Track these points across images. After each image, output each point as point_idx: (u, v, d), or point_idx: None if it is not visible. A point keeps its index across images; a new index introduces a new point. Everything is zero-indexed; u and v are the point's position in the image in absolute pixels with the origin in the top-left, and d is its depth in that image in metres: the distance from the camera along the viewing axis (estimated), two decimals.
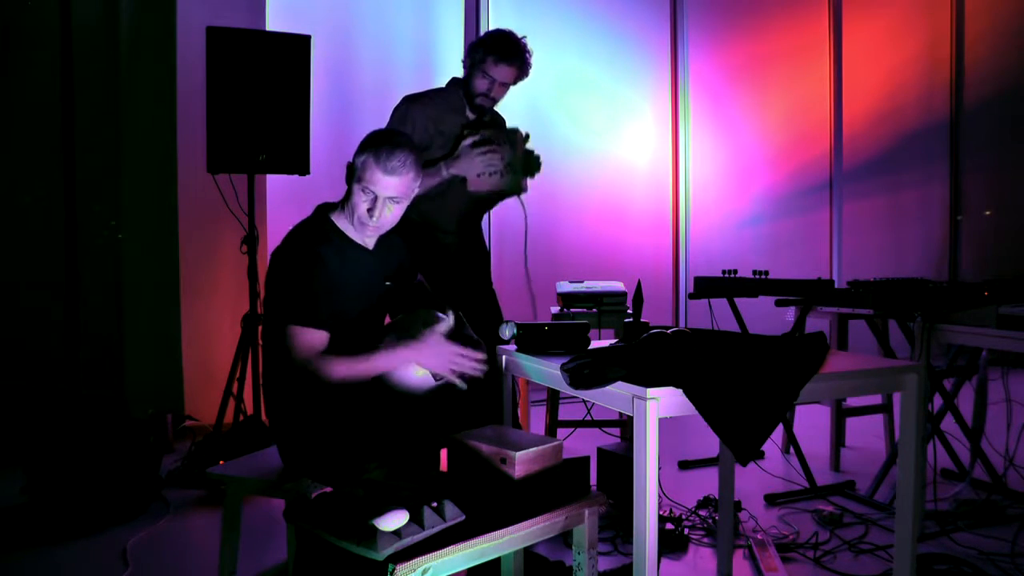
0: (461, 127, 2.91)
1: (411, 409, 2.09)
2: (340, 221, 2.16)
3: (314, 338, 2.00)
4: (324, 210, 2.18)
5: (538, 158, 2.92)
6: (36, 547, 2.78)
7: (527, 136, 2.91)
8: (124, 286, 4.08)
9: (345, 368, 2.00)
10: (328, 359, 2.00)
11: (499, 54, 2.83)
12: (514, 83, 2.92)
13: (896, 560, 1.99)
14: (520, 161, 2.88)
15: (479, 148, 2.79)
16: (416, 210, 2.90)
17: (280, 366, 2.09)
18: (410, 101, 2.89)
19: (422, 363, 2.03)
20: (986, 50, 6.39)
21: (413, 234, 2.91)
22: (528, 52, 2.88)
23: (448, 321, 2.08)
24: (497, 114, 3.11)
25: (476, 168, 2.80)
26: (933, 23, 6.41)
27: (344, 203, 2.16)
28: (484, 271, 3.15)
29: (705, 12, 5.66)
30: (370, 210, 2.08)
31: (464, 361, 2.05)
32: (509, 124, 3.19)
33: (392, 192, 2.07)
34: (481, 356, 2.08)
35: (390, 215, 2.11)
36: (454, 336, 2.11)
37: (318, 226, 2.14)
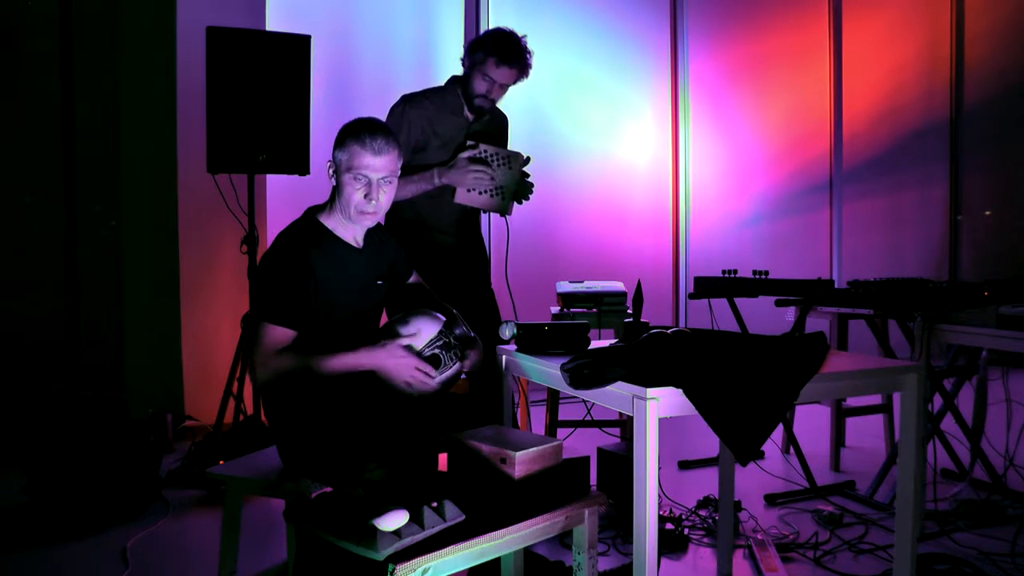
0: (464, 135, 2.91)
1: (411, 409, 2.09)
2: (329, 221, 2.17)
3: (279, 335, 2.02)
4: (312, 212, 2.20)
5: (531, 185, 2.93)
6: (36, 547, 2.78)
7: (528, 160, 2.92)
8: (124, 286, 4.08)
9: (310, 365, 2.01)
10: (284, 355, 2.01)
11: (500, 56, 2.81)
12: (514, 83, 2.91)
13: (896, 560, 1.99)
14: (512, 187, 2.89)
15: (474, 165, 2.80)
16: (413, 210, 2.91)
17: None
18: (407, 101, 2.88)
19: (380, 370, 2.05)
20: (986, 49, 6.39)
21: (410, 234, 2.91)
22: (529, 53, 2.87)
23: (414, 335, 2.08)
24: (499, 112, 3.10)
25: (466, 183, 2.81)
26: (933, 23, 6.41)
27: (332, 202, 2.18)
28: (483, 272, 3.14)
29: (705, 12, 5.66)
30: (367, 195, 2.10)
31: (418, 375, 2.06)
32: (510, 127, 3.19)
33: (384, 172, 2.11)
34: (436, 376, 2.09)
35: (385, 197, 2.14)
36: (447, 332, 2.12)
37: (306, 228, 2.15)
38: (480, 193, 2.85)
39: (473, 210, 3.02)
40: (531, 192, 2.94)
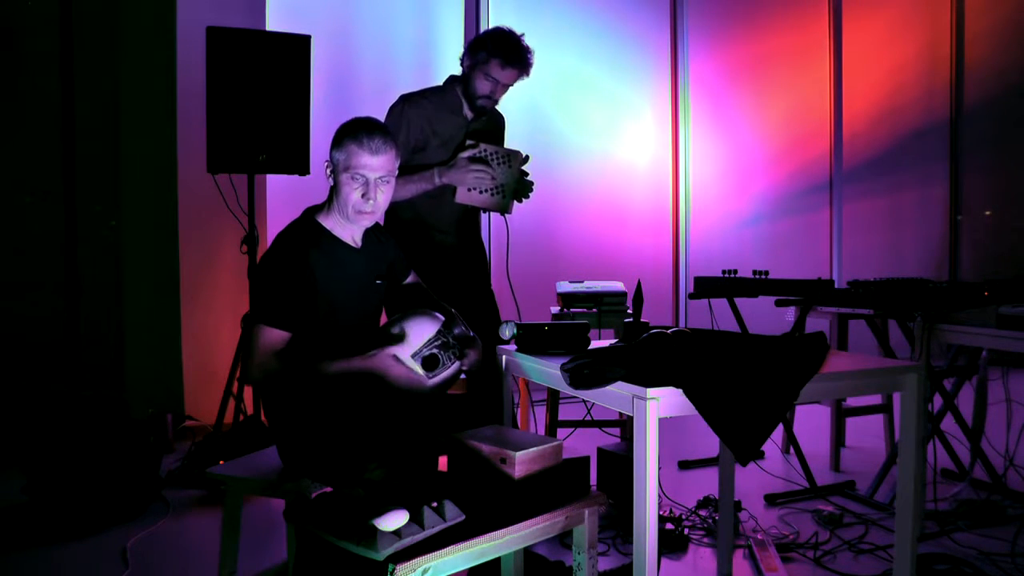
0: (463, 134, 2.91)
1: (411, 409, 2.10)
2: (327, 221, 2.18)
3: (273, 337, 2.02)
4: (310, 212, 2.20)
5: (531, 184, 2.93)
6: (36, 547, 2.78)
7: (527, 158, 2.92)
8: (124, 286, 4.08)
9: (287, 366, 2.02)
10: (277, 358, 2.01)
11: (504, 57, 2.81)
12: (514, 83, 2.91)
13: (896, 560, 1.99)
14: (512, 185, 2.89)
15: (474, 165, 2.80)
16: (413, 210, 2.91)
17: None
18: (406, 101, 2.88)
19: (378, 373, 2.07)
20: (986, 49, 6.39)
21: (410, 234, 2.91)
22: (531, 52, 2.88)
23: (403, 342, 2.09)
24: (497, 112, 3.10)
25: (467, 182, 2.81)
26: (933, 23, 6.41)
27: (330, 202, 2.18)
28: (482, 271, 3.14)
29: (705, 12, 5.66)
30: (364, 195, 2.10)
31: (408, 384, 2.07)
32: (509, 126, 3.19)
33: (382, 171, 2.11)
34: (428, 380, 2.10)
35: (383, 197, 2.15)
36: (445, 332, 2.13)
37: (305, 229, 2.15)
38: (481, 192, 2.85)
39: (473, 209, 3.02)
40: (531, 190, 2.94)
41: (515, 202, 2.94)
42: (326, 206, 2.19)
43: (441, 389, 2.14)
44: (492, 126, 3.06)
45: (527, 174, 2.93)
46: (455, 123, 2.92)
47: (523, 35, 2.88)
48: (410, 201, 2.86)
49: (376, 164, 2.10)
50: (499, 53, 2.81)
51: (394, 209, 2.91)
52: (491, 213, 3.03)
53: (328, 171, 2.16)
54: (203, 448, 3.44)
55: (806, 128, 6.01)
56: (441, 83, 3.01)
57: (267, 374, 2.02)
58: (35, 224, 3.85)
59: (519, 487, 1.75)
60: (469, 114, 2.94)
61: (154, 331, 4.15)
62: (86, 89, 3.79)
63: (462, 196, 2.84)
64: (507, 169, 2.87)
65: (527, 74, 2.91)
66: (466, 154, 2.82)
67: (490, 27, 2.92)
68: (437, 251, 2.96)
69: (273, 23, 4.34)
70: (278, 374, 2.02)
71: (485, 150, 2.84)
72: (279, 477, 2.13)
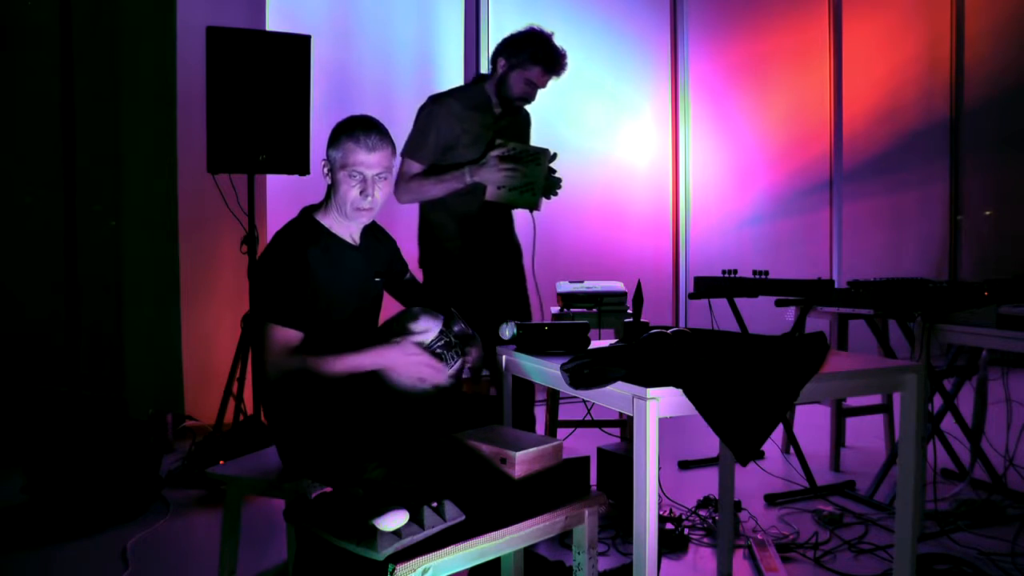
0: (493, 133, 2.92)
1: (411, 409, 2.09)
2: (325, 220, 2.18)
3: (287, 336, 2.02)
4: (308, 211, 2.21)
5: (559, 180, 2.95)
6: (36, 547, 2.78)
7: (555, 155, 2.93)
8: (124, 286, 4.08)
9: (317, 366, 2.02)
10: (300, 357, 2.01)
11: (546, 65, 2.86)
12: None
13: (896, 560, 1.99)
14: (542, 182, 2.91)
15: (504, 163, 2.80)
16: (444, 209, 2.91)
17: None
18: (435, 101, 2.91)
19: (390, 368, 2.05)
20: (986, 49, 6.39)
21: (440, 233, 2.92)
22: (566, 56, 2.93)
23: (423, 332, 2.08)
24: (523, 109, 3.11)
25: (498, 180, 2.82)
26: (933, 23, 6.41)
27: (327, 201, 2.18)
28: (516, 269, 3.13)
29: (705, 12, 5.66)
30: (363, 192, 2.11)
31: (429, 371, 2.07)
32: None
33: (379, 168, 2.12)
34: (447, 370, 2.09)
35: (380, 194, 2.15)
36: (447, 330, 2.13)
37: (303, 226, 2.16)
38: (511, 190, 2.86)
39: (504, 207, 3.02)
40: (559, 187, 2.96)
41: (543, 199, 2.95)
42: (323, 205, 2.20)
43: (442, 388, 2.14)
44: (519, 123, 3.08)
45: (555, 171, 2.94)
46: (483, 120, 2.93)
47: (553, 33, 2.92)
48: (441, 200, 2.87)
49: (373, 161, 2.10)
50: (542, 61, 2.86)
51: (424, 208, 2.92)
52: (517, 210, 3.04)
53: (325, 170, 2.16)
54: (203, 448, 3.44)
55: (806, 128, 6.00)
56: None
57: (284, 373, 2.02)
58: (35, 224, 3.85)
59: (519, 487, 1.75)
60: (497, 111, 2.96)
61: (154, 331, 4.14)
62: (86, 89, 3.79)
63: (492, 194, 2.85)
64: (535, 167, 2.88)
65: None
66: (496, 152, 2.83)
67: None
68: (469, 250, 2.96)
69: (273, 23, 4.34)
70: (296, 373, 2.02)
71: (515, 148, 2.85)
72: (279, 477, 2.13)
